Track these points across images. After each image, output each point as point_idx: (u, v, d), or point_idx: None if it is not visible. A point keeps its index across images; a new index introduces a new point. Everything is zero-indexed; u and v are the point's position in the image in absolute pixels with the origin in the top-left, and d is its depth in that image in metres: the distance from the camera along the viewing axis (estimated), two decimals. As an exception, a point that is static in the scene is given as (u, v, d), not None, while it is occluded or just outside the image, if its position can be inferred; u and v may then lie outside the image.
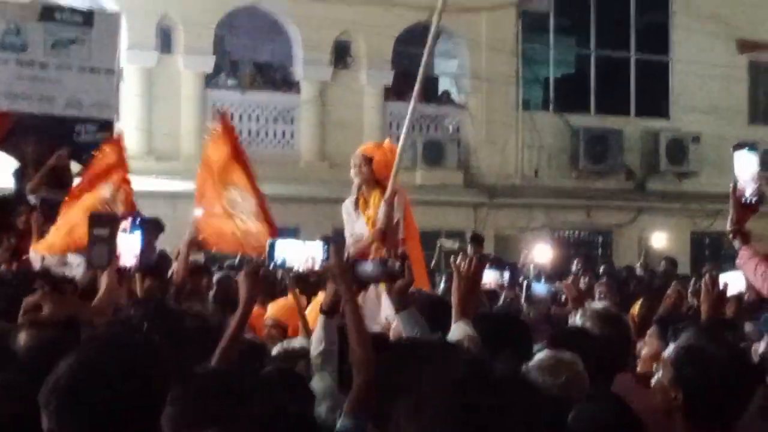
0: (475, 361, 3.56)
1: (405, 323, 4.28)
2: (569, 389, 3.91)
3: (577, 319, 5.19)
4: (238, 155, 6.95)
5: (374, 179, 8.01)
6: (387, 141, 8.70)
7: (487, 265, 5.00)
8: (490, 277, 5.03)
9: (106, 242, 4.24)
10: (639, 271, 14.73)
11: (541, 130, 20.94)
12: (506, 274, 5.09)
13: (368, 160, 8.04)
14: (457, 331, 4.21)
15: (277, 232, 6.64)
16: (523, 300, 5.45)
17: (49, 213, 8.84)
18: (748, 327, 6.63)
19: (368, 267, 4.40)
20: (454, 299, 4.34)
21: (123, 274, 4.21)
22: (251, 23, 19.26)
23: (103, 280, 4.14)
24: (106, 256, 4.23)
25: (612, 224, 21.52)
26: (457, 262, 4.47)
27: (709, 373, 3.43)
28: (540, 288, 6.00)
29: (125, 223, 4.31)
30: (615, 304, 9.29)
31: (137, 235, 4.28)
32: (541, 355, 4.12)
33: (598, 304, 5.73)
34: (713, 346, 3.57)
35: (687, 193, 21.26)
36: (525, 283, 5.83)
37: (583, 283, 11.08)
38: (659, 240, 20.13)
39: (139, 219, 4.37)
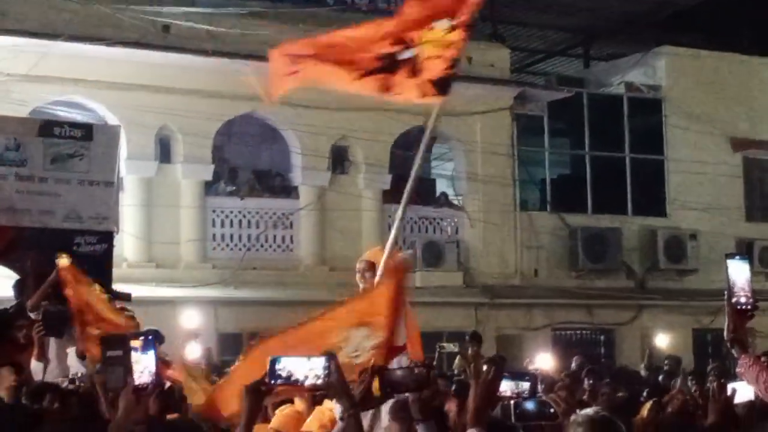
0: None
1: None
2: None
3: (570, 427, 5.13)
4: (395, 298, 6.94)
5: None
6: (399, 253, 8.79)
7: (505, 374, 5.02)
8: (506, 386, 5.02)
9: (120, 363, 4.29)
10: (643, 371, 14.65)
11: (539, 231, 21.03)
12: (525, 385, 5.08)
13: (371, 266, 8.11)
14: None
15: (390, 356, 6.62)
16: (513, 419, 5.43)
17: (52, 325, 8.85)
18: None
19: (397, 375, 4.48)
20: (470, 406, 4.37)
21: (140, 393, 4.23)
22: (249, 131, 19.51)
23: (121, 402, 4.17)
24: (122, 377, 4.25)
25: (614, 322, 21.47)
26: (477, 368, 4.52)
27: None
28: (530, 404, 5.96)
29: (137, 342, 4.35)
30: (616, 405, 9.27)
31: (151, 354, 4.32)
32: None
33: (589, 410, 5.68)
34: None
35: (687, 290, 21.27)
36: (513, 401, 5.79)
37: (587, 384, 11.06)
38: (661, 338, 20.07)
39: (151, 337, 4.40)
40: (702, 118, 22.10)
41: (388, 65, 7.56)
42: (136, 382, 4.18)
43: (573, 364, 14.69)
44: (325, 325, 6.49)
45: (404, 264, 7.01)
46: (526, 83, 21.93)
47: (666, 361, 16.00)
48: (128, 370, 4.20)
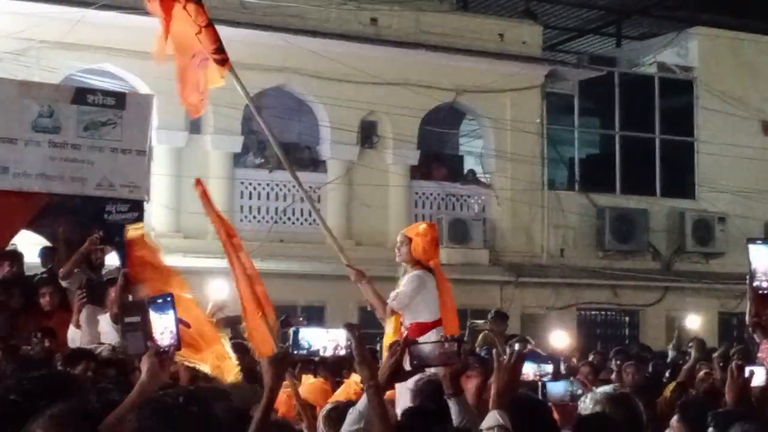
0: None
1: (455, 409, 4.37)
2: None
3: (587, 403, 5.16)
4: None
5: (413, 259, 8.14)
6: (424, 224, 8.84)
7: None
8: (529, 369, 5.07)
9: (139, 328, 4.27)
10: (671, 353, 14.60)
11: (566, 210, 20.98)
12: (548, 367, 5.13)
13: (408, 240, 8.19)
14: (490, 419, 4.27)
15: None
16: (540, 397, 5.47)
17: (94, 293, 8.95)
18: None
19: (426, 350, 4.51)
20: (492, 389, 4.39)
21: (162, 356, 4.13)
22: (279, 104, 19.51)
23: (143, 367, 4.11)
24: (142, 342, 4.21)
25: (638, 304, 21.44)
26: (500, 356, 4.55)
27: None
28: (556, 387, 5.99)
29: (157, 305, 4.32)
30: (642, 385, 9.29)
31: (171, 315, 4.24)
32: None
33: (607, 387, 5.70)
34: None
35: (714, 273, 21.19)
36: (540, 382, 5.83)
37: (614, 364, 11.06)
38: (686, 321, 20.02)
39: (169, 298, 4.37)
40: (733, 100, 21.93)
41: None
42: (159, 345, 4.13)
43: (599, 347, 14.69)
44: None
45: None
46: (558, 61, 21.83)
47: (690, 344, 15.94)
48: (148, 334, 4.17)
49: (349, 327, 5.38)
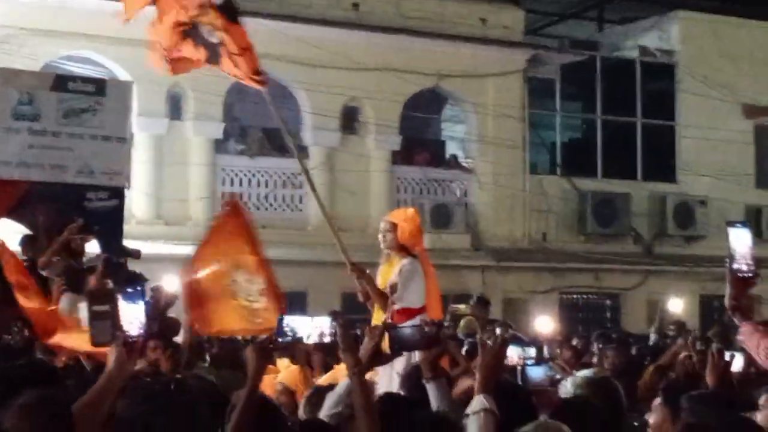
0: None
1: (433, 393, 4.40)
2: None
3: (567, 387, 5.19)
4: (249, 236, 7.27)
5: (399, 245, 8.09)
6: (411, 209, 8.80)
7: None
8: (513, 352, 5.12)
9: (107, 317, 4.20)
10: (653, 336, 14.67)
11: (548, 194, 21.03)
12: (531, 351, 5.18)
13: (393, 227, 8.13)
14: (476, 403, 4.30)
15: (285, 307, 6.84)
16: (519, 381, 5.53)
17: (74, 281, 8.90)
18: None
19: (406, 333, 4.53)
20: (478, 373, 4.43)
21: (130, 346, 4.09)
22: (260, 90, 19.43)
23: (110, 356, 4.08)
24: (109, 332, 4.14)
25: (620, 287, 21.52)
26: (485, 340, 4.58)
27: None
28: (536, 372, 6.04)
29: (126, 295, 4.27)
30: (623, 369, 9.32)
31: (140, 305, 4.19)
32: (528, 426, 4.16)
33: (587, 371, 5.74)
34: (718, 423, 3.61)
35: (695, 256, 21.29)
36: (519, 368, 5.88)
37: (596, 348, 11.10)
38: (668, 304, 20.10)
39: (139, 288, 4.32)
40: (715, 84, 21.99)
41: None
42: (126, 335, 4.09)
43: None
44: (208, 272, 6.81)
45: (236, 202, 7.35)
46: (539, 46, 21.82)
47: (671, 327, 16.03)
48: (116, 323, 4.12)
49: (334, 315, 5.41)
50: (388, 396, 5.04)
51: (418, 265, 8.05)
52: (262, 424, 4.52)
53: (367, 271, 8.10)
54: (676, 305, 18.57)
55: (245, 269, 7.15)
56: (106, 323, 4.15)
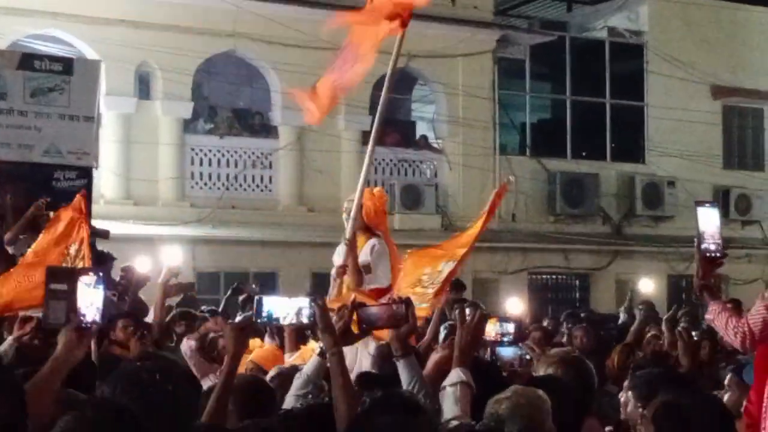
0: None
1: (404, 371, 4.43)
2: (510, 419, 4.00)
3: (539, 365, 5.23)
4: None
5: (364, 225, 8.07)
6: (378, 188, 8.79)
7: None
8: (491, 329, 5.17)
9: (64, 298, 4.06)
10: (622, 315, 14.75)
11: (517, 175, 21.03)
12: (509, 326, 5.24)
13: (359, 206, 8.10)
14: (453, 376, 4.35)
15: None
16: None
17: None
18: (726, 374, 6.68)
19: (374, 312, 4.54)
20: (455, 348, 4.48)
21: (83, 331, 3.94)
22: (229, 69, 19.36)
23: (60, 339, 3.94)
24: (63, 313, 3.98)
25: (589, 267, 21.64)
26: (461, 314, 4.63)
27: (689, 428, 3.51)
28: (506, 351, 6.11)
29: (88, 278, 4.14)
30: (591, 349, 9.38)
31: (100, 290, 4.01)
32: (505, 392, 4.21)
33: (560, 350, 5.79)
34: (691, 401, 3.64)
35: (663, 236, 21.43)
36: (489, 348, 5.94)
37: (565, 328, 11.17)
38: (636, 284, 20.22)
39: (102, 274, 4.08)
40: (683, 64, 22.09)
41: None
42: (81, 319, 3.95)
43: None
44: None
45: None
46: (509, 26, 21.83)
47: (640, 307, 16.12)
48: (72, 305, 3.97)
49: (312, 296, 5.43)
50: (363, 376, 5.06)
51: (385, 245, 8.06)
52: (257, 404, 4.53)
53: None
54: (648, 285, 18.67)
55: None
56: (61, 303, 4.01)
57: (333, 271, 8.16)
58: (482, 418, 4.09)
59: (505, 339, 5.24)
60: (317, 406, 4.33)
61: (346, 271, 7.93)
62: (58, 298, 4.03)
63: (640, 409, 4.30)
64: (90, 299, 3.99)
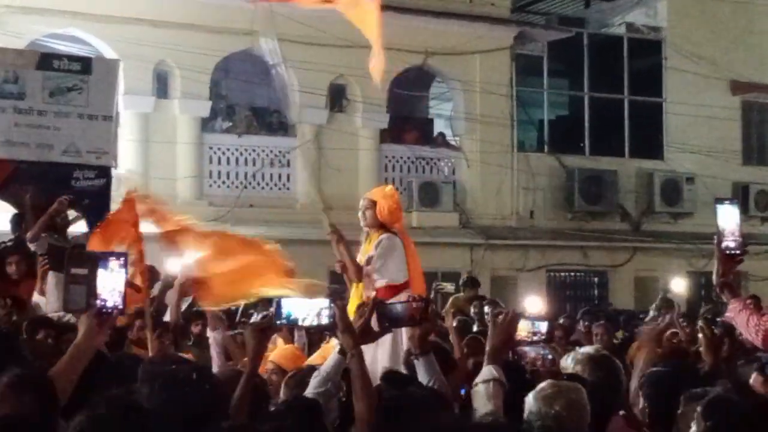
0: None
1: (423, 368, 4.46)
2: (567, 417, 4.00)
3: (568, 363, 5.23)
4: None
5: (378, 223, 8.09)
6: (389, 187, 8.78)
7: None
8: (523, 327, 5.21)
9: (84, 283, 3.89)
10: (653, 312, 14.66)
11: (536, 172, 21.03)
12: (542, 326, 5.27)
13: (372, 204, 8.12)
14: (486, 373, 4.37)
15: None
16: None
17: (57, 259, 8.87)
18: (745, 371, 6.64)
19: (395, 310, 4.55)
20: (488, 346, 4.51)
21: (104, 317, 3.88)
22: (247, 68, 19.38)
23: (81, 326, 3.92)
24: (84, 298, 3.89)
25: (608, 264, 21.56)
26: (497, 316, 4.67)
27: (741, 423, 3.53)
28: (528, 352, 6.12)
29: (111, 263, 3.92)
30: (611, 346, 9.35)
31: (122, 275, 3.93)
32: (543, 384, 4.24)
33: (589, 348, 5.77)
34: (740, 398, 3.66)
35: (682, 233, 21.34)
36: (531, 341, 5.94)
37: (582, 326, 11.14)
38: (672, 283, 20.01)
39: (124, 258, 4.00)
40: (702, 60, 21.99)
41: None
42: (101, 305, 3.89)
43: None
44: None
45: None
46: (526, 23, 21.77)
47: (656, 306, 16.04)
48: (92, 291, 3.89)
49: (332, 296, 5.45)
50: (389, 374, 5.08)
51: (398, 241, 8.05)
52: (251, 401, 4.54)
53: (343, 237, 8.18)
54: (679, 285, 18.50)
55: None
56: (81, 288, 3.91)
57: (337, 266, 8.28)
58: (514, 415, 4.10)
59: (536, 338, 5.26)
60: (300, 399, 4.33)
61: (346, 266, 8.02)
62: (78, 283, 3.92)
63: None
64: (111, 284, 3.91)
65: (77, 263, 3.99)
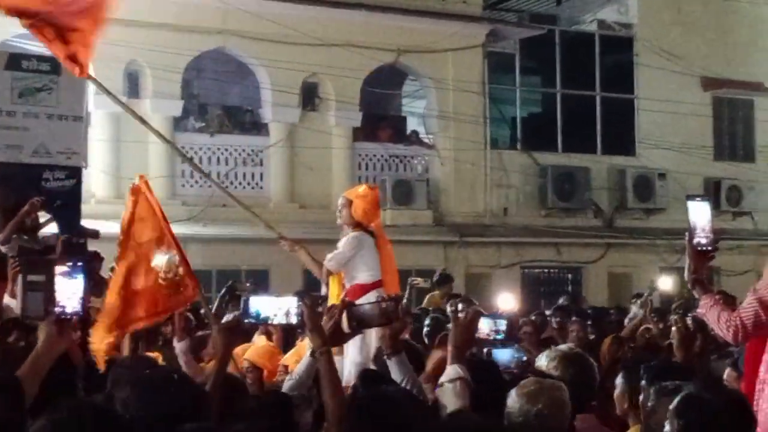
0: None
1: (395, 368, 4.45)
2: (549, 414, 4.00)
3: (542, 360, 5.23)
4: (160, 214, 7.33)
5: (354, 222, 8.14)
6: (364, 186, 8.80)
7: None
8: (484, 325, 5.18)
9: (40, 289, 3.95)
10: (636, 309, 14.69)
11: (509, 169, 21.07)
12: (502, 323, 5.24)
13: (348, 203, 8.18)
14: (451, 372, 4.36)
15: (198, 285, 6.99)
16: None
17: (28, 261, 8.78)
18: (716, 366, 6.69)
19: (365, 311, 4.53)
20: (450, 344, 4.50)
21: (63, 323, 3.83)
22: (219, 67, 19.32)
23: (41, 333, 3.87)
24: (41, 304, 3.95)
25: (581, 261, 21.64)
26: (457, 313, 4.65)
27: (714, 420, 3.52)
28: (502, 354, 6.11)
29: (64, 268, 3.89)
30: (587, 343, 9.37)
31: (80, 280, 3.89)
32: (525, 380, 4.23)
33: (563, 346, 5.78)
34: (714, 395, 3.65)
35: (655, 229, 21.45)
36: (486, 349, 5.94)
37: (555, 322, 11.15)
38: (659, 281, 19.95)
39: (80, 262, 3.97)
40: (673, 56, 22.09)
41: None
42: (59, 311, 3.84)
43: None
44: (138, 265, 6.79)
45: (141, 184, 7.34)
46: (499, 20, 21.78)
47: (633, 300, 16.10)
48: (50, 297, 3.87)
49: (300, 295, 5.44)
50: (365, 373, 5.06)
51: (367, 239, 8.08)
52: (224, 396, 4.52)
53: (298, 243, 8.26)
54: (666, 283, 18.50)
55: (163, 245, 7.20)
56: (38, 295, 3.96)
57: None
58: (485, 414, 4.10)
59: (498, 336, 5.24)
60: (272, 395, 4.33)
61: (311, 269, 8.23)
62: (35, 290, 3.98)
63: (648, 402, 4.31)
64: (71, 290, 3.87)
65: (34, 270, 3.97)
